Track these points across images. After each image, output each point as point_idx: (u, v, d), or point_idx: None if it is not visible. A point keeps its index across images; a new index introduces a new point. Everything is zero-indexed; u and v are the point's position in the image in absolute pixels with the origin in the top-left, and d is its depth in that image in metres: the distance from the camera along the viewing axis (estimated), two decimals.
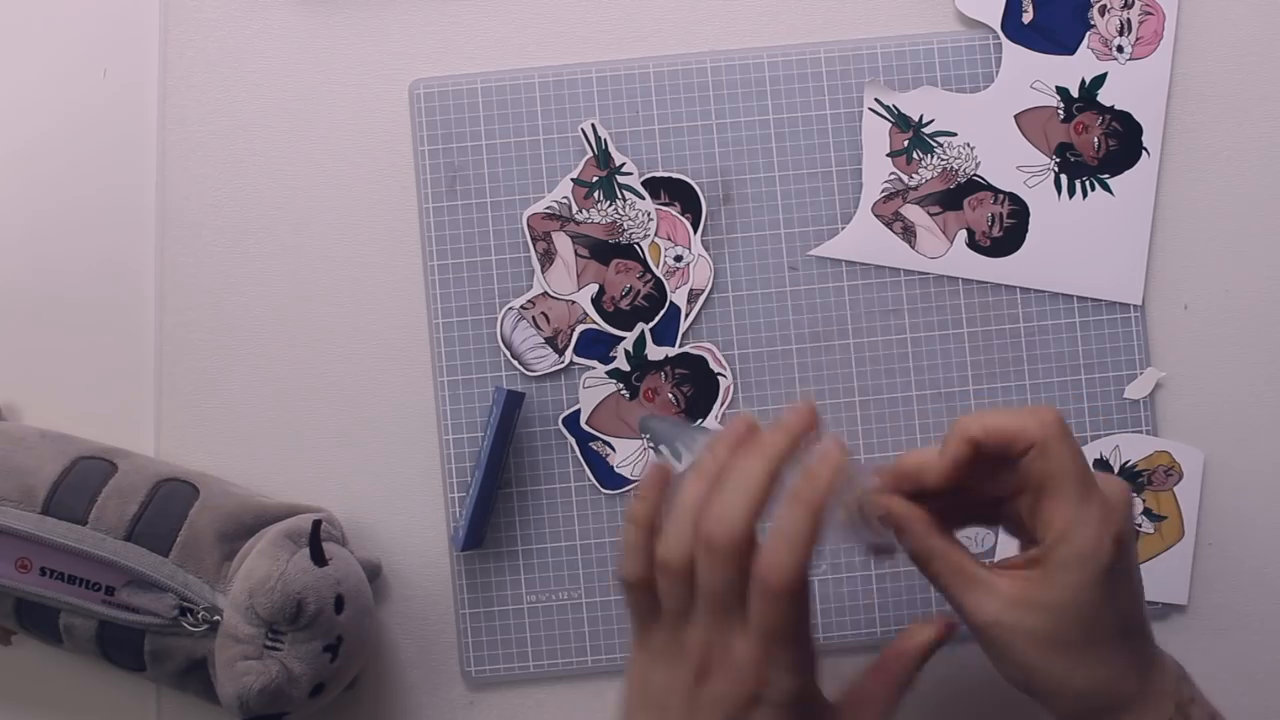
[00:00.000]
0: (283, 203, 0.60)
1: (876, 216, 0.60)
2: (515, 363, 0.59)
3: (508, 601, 0.59)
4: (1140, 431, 0.60)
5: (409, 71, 0.60)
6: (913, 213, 0.60)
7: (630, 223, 0.59)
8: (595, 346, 0.59)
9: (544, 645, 0.59)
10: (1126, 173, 0.60)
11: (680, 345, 0.59)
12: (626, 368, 0.59)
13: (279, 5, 0.61)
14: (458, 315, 0.59)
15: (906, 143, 0.60)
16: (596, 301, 0.59)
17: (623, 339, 0.59)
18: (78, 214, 0.60)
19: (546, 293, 0.59)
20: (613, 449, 0.59)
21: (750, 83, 0.60)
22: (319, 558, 0.53)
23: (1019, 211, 0.60)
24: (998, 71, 0.60)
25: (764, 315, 0.60)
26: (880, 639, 0.60)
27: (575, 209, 0.59)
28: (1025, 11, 0.60)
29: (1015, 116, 0.60)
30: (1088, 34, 0.60)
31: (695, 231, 0.59)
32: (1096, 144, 0.60)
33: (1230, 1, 0.61)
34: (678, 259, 0.59)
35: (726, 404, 0.59)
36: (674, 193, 0.60)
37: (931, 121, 0.60)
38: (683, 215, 0.59)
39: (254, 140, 0.60)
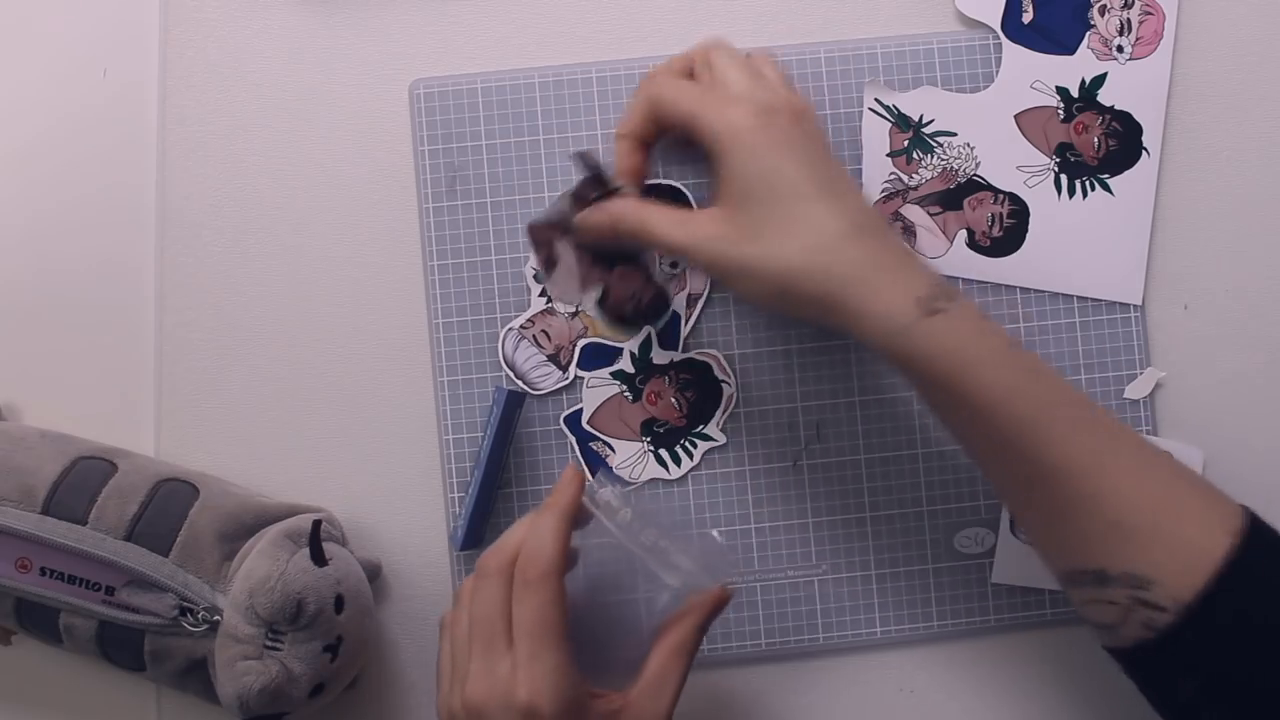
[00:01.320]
0: (283, 203, 0.60)
1: None
2: (520, 383, 0.59)
3: None
4: (1140, 431, 0.60)
5: (409, 71, 0.60)
6: (913, 213, 0.60)
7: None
8: (598, 360, 0.59)
9: None
10: (1126, 173, 0.60)
11: (682, 350, 0.59)
12: (631, 370, 0.59)
13: (279, 5, 0.61)
14: (458, 315, 0.59)
15: (906, 143, 0.60)
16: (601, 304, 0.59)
17: (621, 350, 0.59)
18: (78, 214, 0.60)
19: (545, 310, 0.59)
20: (613, 450, 0.59)
21: None
22: (319, 558, 0.53)
23: (1019, 211, 0.60)
24: (998, 71, 0.60)
25: (764, 316, 0.60)
26: (880, 639, 0.60)
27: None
28: (1025, 11, 0.60)
29: (1015, 116, 0.60)
30: (1088, 34, 0.60)
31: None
32: (1096, 144, 0.60)
33: (1230, 1, 0.61)
34: (673, 266, 0.59)
35: (728, 411, 0.59)
36: (665, 199, 0.59)
37: (931, 121, 0.60)
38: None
39: (254, 140, 0.60)
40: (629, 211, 0.53)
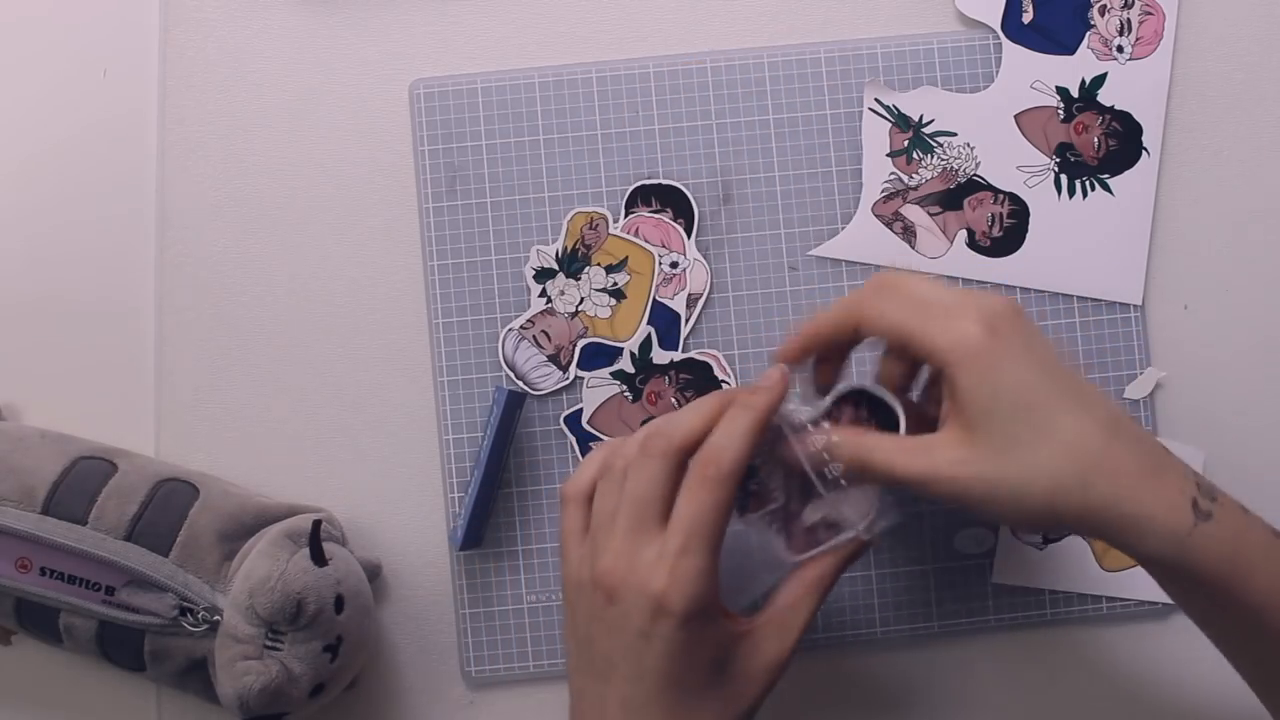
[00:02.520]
0: (283, 203, 0.60)
1: (876, 216, 0.60)
2: (520, 383, 0.59)
3: (508, 601, 0.59)
4: None
5: (409, 71, 0.60)
6: (913, 213, 0.60)
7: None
8: (598, 359, 0.59)
9: (544, 645, 0.59)
10: (1126, 173, 0.60)
11: (682, 350, 0.59)
12: (631, 370, 0.59)
13: (279, 5, 0.61)
14: (458, 315, 0.59)
15: (906, 143, 0.60)
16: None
17: (621, 350, 0.59)
18: (78, 214, 0.60)
19: (545, 310, 0.59)
20: None
21: (750, 83, 0.60)
22: (319, 558, 0.53)
23: (1019, 211, 0.60)
24: (998, 71, 0.60)
25: (764, 315, 0.60)
26: (881, 638, 0.60)
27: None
28: (1025, 11, 0.60)
29: (1015, 116, 0.60)
30: (1088, 34, 0.60)
31: (689, 236, 0.59)
32: (1096, 144, 0.60)
33: (1230, 1, 0.61)
34: (674, 265, 0.59)
35: None
36: (665, 199, 0.60)
37: (931, 121, 0.60)
38: (675, 221, 0.59)
39: (254, 140, 0.60)
40: (846, 444, 0.48)
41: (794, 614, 0.48)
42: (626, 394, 0.59)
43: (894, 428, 0.49)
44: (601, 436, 0.59)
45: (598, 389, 0.59)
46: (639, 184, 0.59)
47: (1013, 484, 0.44)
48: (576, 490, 0.50)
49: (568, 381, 0.59)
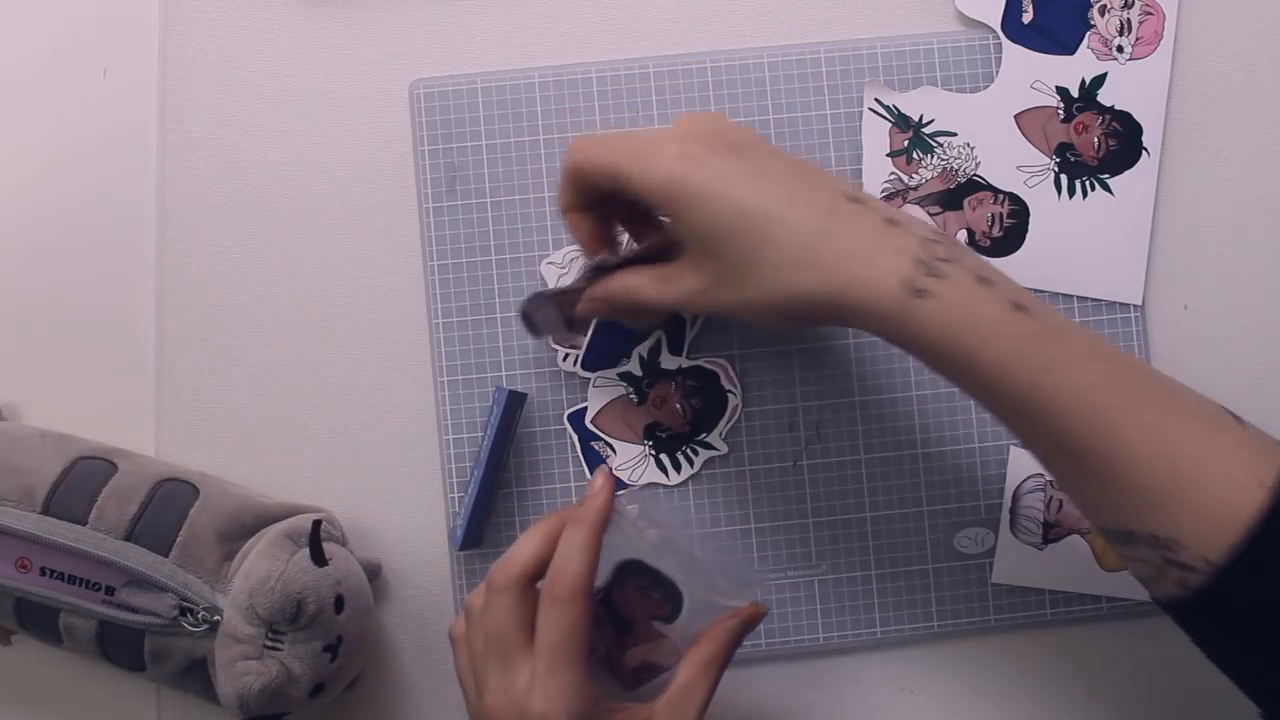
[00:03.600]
0: (283, 203, 0.60)
1: None
2: (528, 327, 0.57)
3: None
4: None
5: (409, 71, 0.60)
6: (913, 213, 0.60)
7: None
8: (607, 356, 0.59)
9: None
10: (1126, 173, 0.60)
11: (687, 356, 0.59)
12: (639, 373, 0.59)
13: (279, 5, 0.61)
14: (458, 315, 0.59)
15: (906, 143, 0.60)
16: None
17: (631, 351, 0.59)
18: (77, 214, 0.60)
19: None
20: (614, 450, 0.59)
21: (750, 83, 0.60)
22: (319, 558, 0.53)
23: (1019, 211, 0.60)
24: (998, 71, 0.60)
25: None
26: (880, 639, 0.60)
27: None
28: (1025, 11, 0.60)
29: (1015, 116, 0.60)
30: (1088, 34, 0.60)
31: None
32: (1096, 144, 0.60)
33: (1230, 1, 0.61)
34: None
35: (733, 422, 0.59)
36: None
37: (931, 121, 0.60)
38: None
39: (254, 140, 0.60)
40: (615, 287, 0.51)
41: (690, 694, 0.50)
42: (632, 396, 0.59)
43: (678, 599, 0.53)
44: (604, 437, 0.59)
45: (603, 389, 0.59)
46: None
47: (749, 303, 0.47)
48: (458, 631, 0.52)
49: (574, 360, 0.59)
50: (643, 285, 0.50)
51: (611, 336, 0.58)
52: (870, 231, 0.46)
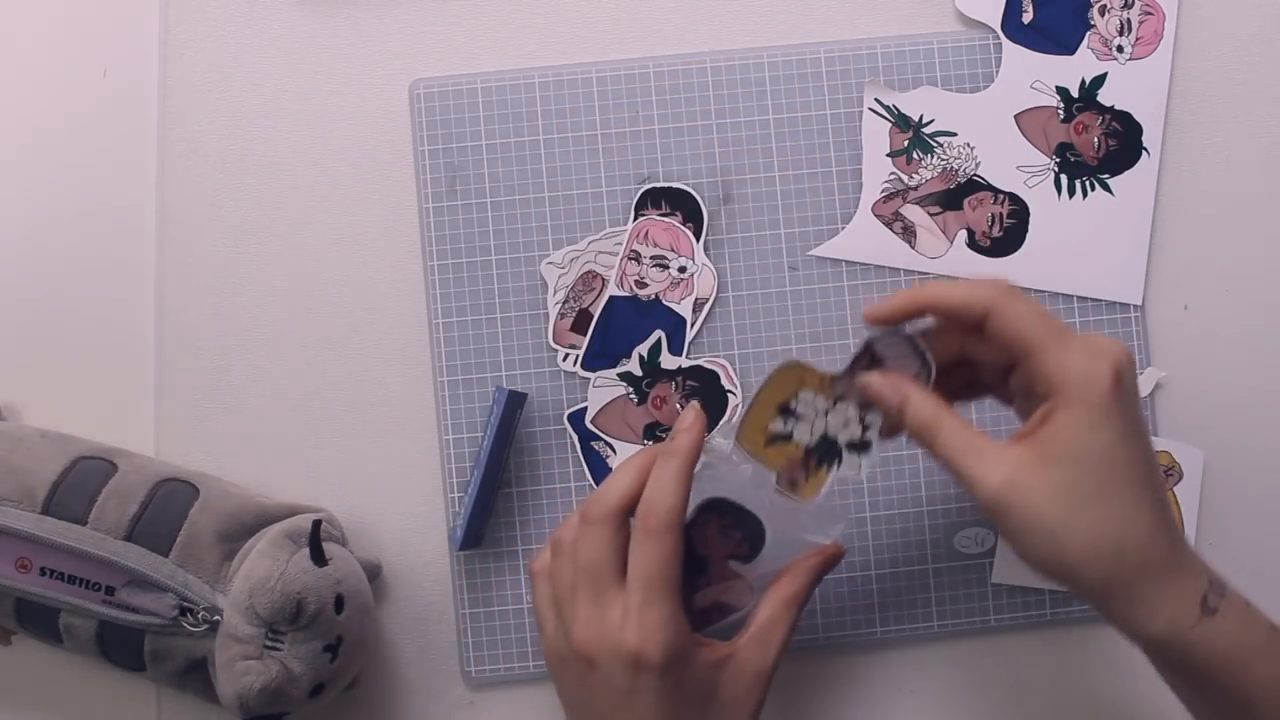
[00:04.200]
0: (283, 203, 0.60)
1: (876, 216, 0.60)
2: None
3: (508, 601, 0.59)
4: None
5: (409, 71, 0.60)
6: (913, 213, 0.60)
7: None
8: (609, 356, 0.59)
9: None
10: (1126, 173, 0.60)
11: (687, 356, 0.59)
12: (639, 373, 0.59)
13: (279, 5, 0.61)
14: (458, 315, 0.59)
15: (906, 143, 0.60)
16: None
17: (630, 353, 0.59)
18: (78, 214, 0.60)
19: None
20: (614, 450, 0.59)
21: (750, 83, 0.60)
22: (319, 558, 0.53)
23: (1019, 211, 0.60)
24: (998, 71, 0.60)
25: (764, 316, 0.60)
26: (880, 638, 0.60)
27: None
28: (1025, 11, 0.60)
29: (1015, 116, 0.60)
30: (1088, 34, 0.60)
31: (698, 241, 0.59)
32: (1096, 144, 0.60)
33: (1230, 1, 0.61)
34: (681, 270, 0.59)
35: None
36: (675, 202, 0.59)
37: (931, 121, 0.60)
38: (684, 225, 0.59)
39: (254, 141, 0.60)
40: (924, 409, 0.48)
41: (773, 631, 0.51)
42: (632, 396, 0.59)
43: (759, 538, 0.52)
44: (604, 436, 0.59)
45: (603, 389, 0.59)
46: (649, 186, 0.59)
47: (1053, 530, 0.45)
48: (541, 565, 0.52)
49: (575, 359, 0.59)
50: (954, 434, 0.47)
51: (620, 329, 0.58)
52: (1180, 545, 0.46)
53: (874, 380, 0.49)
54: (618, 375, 0.59)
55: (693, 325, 0.59)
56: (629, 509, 0.49)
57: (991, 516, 0.46)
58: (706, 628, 0.52)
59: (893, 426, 0.50)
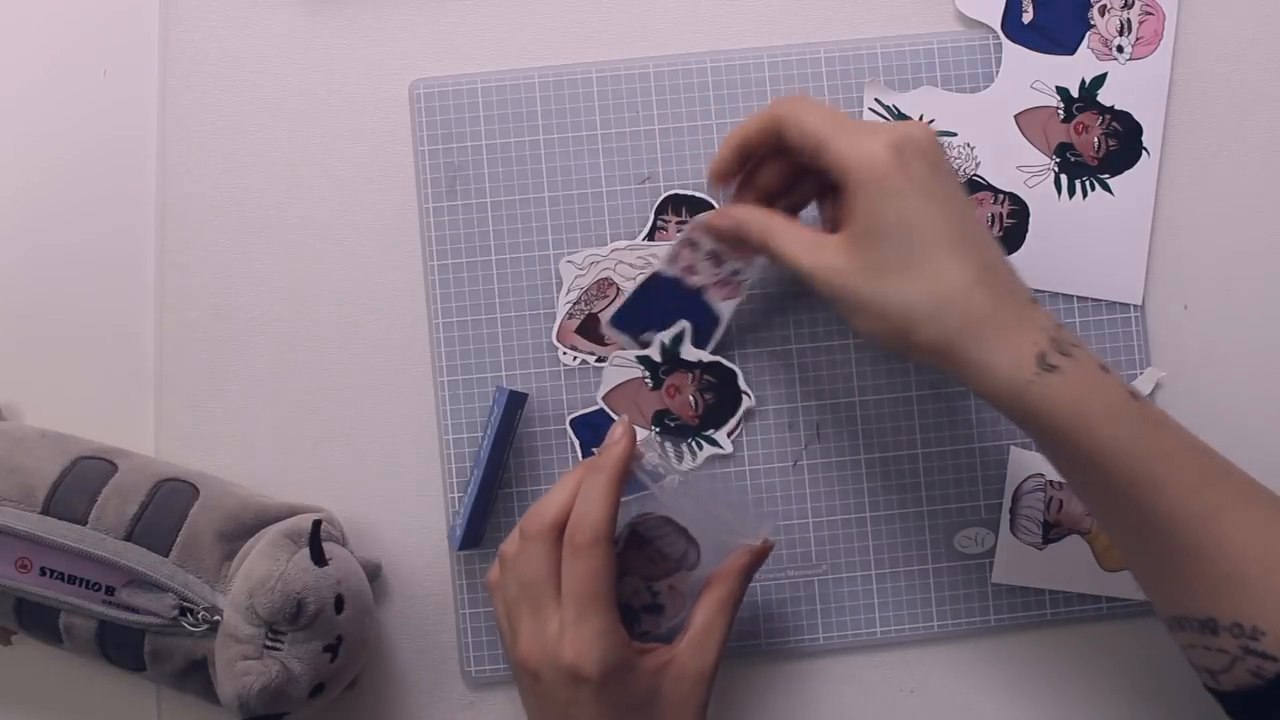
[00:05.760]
0: (283, 203, 0.60)
1: None
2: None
3: None
4: None
5: (409, 71, 0.60)
6: None
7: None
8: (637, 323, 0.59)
9: None
10: (1126, 173, 0.60)
11: (710, 352, 0.59)
12: (658, 359, 0.59)
13: (279, 5, 0.61)
14: (458, 315, 0.59)
15: None
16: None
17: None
18: (78, 214, 0.60)
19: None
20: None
21: (750, 83, 0.60)
22: (319, 558, 0.53)
23: (1019, 211, 0.60)
24: (998, 71, 0.60)
25: (764, 315, 0.60)
26: (880, 639, 0.60)
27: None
28: (1025, 11, 0.60)
29: (1015, 116, 0.60)
30: (1088, 34, 0.60)
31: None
32: (1096, 144, 0.60)
33: (1230, 1, 0.61)
34: (735, 273, 0.57)
35: (741, 424, 0.59)
36: (695, 211, 0.59)
37: (932, 121, 0.60)
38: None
39: (254, 140, 0.60)
40: (755, 219, 0.52)
41: (710, 633, 0.52)
42: (647, 379, 0.59)
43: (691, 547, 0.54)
44: (614, 416, 0.59)
45: (620, 368, 0.59)
46: (670, 193, 0.59)
47: (876, 302, 0.48)
48: (493, 578, 0.53)
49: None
50: (785, 234, 0.51)
51: (656, 304, 0.58)
52: (1018, 300, 0.48)
53: (703, 218, 0.54)
54: (636, 357, 0.59)
55: (725, 328, 0.59)
56: (563, 523, 0.50)
57: (832, 304, 0.50)
58: (646, 638, 0.53)
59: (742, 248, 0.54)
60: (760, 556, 0.54)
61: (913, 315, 0.47)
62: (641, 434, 0.54)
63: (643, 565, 0.54)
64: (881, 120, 0.50)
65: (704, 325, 0.59)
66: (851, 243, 0.49)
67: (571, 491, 0.51)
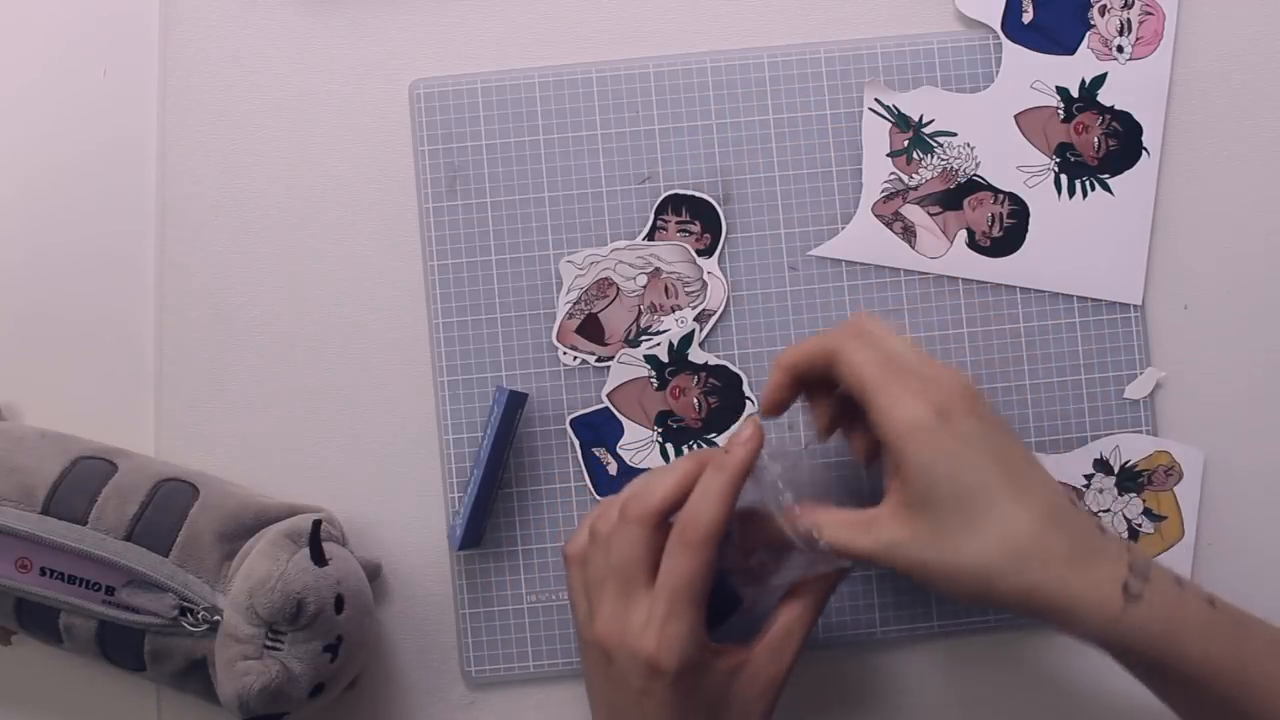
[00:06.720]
0: (283, 203, 0.60)
1: (876, 216, 0.60)
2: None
3: (508, 601, 0.59)
4: (1140, 431, 0.60)
5: (409, 71, 0.60)
6: (913, 213, 0.60)
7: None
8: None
9: (544, 645, 0.59)
10: (1126, 173, 0.60)
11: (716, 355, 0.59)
12: (665, 359, 0.59)
13: (279, 5, 0.61)
14: (458, 315, 0.59)
15: (906, 143, 0.60)
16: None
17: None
18: (77, 214, 0.60)
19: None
20: (622, 429, 0.59)
21: (750, 83, 0.60)
22: (319, 558, 0.53)
23: (1019, 211, 0.60)
24: (998, 71, 0.60)
25: (764, 316, 0.60)
26: (880, 638, 0.60)
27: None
28: (1025, 11, 0.60)
29: (1015, 116, 0.60)
30: (1088, 34, 0.60)
31: (715, 251, 0.59)
32: (1096, 144, 0.60)
33: (1230, 2, 0.61)
34: (763, 565, 0.54)
35: None
36: (695, 210, 0.59)
37: (931, 121, 0.60)
38: (703, 234, 0.59)
39: (254, 140, 0.60)
40: (802, 519, 0.50)
41: (788, 638, 0.51)
42: (652, 379, 0.59)
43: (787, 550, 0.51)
44: (619, 415, 0.59)
45: (626, 365, 0.59)
46: (671, 193, 0.59)
47: (946, 569, 0.46)
48: (575, 550, 0.52)
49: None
50: (833, 526, 0.49)
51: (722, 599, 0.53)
52: (1090, 534, 0.47)
53: (787, 521, 0.50)
54: (644, 356, 0.59)
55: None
56: (669, 512, 0.49)
57: (904, 575, 0.48)
58: (716, 629, 0.52)
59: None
60: (842, 576, 0.52)
61: (990, 572, 0.46)
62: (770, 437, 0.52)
63: (736, 557, 0.52)
64: (923, 374, 0.48)
65: (725, 603, 0.53)
66: (907, 511, 0.47)
67: (680, 480, 0.49)
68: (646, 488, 0.50)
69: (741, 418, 0.52)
